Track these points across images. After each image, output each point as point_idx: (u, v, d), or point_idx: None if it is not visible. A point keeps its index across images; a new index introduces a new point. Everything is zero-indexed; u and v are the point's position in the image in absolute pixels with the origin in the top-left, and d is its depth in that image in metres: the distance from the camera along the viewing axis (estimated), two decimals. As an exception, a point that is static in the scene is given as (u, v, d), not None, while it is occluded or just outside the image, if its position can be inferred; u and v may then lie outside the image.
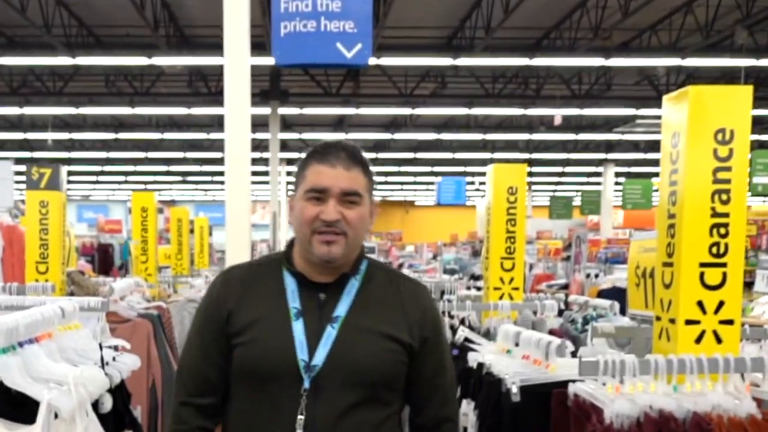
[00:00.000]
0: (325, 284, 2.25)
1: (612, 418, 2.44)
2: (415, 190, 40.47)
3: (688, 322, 2.95)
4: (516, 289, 5.27)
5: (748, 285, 9.77)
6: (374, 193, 2.34)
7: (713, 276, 2.92)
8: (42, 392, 2.56)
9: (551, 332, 4.73)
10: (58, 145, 26.48)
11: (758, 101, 17.42)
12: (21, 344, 2.71)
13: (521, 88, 20.54)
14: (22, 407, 2.61)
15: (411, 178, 37.26)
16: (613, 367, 2.64)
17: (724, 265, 2.92)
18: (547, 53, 17.17)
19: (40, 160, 28.98)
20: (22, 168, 12.83)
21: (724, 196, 2.93)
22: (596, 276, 8.88)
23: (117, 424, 3.05)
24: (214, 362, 2.29)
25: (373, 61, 15.42)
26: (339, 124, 24.57)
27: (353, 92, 20.66)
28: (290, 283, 2.27)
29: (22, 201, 11.76)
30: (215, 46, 9.16)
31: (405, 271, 13.88)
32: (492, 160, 29.45)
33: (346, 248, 2.20)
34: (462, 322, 5.19)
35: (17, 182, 11.56)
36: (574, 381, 2.74)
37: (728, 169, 2.96)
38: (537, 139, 25.44)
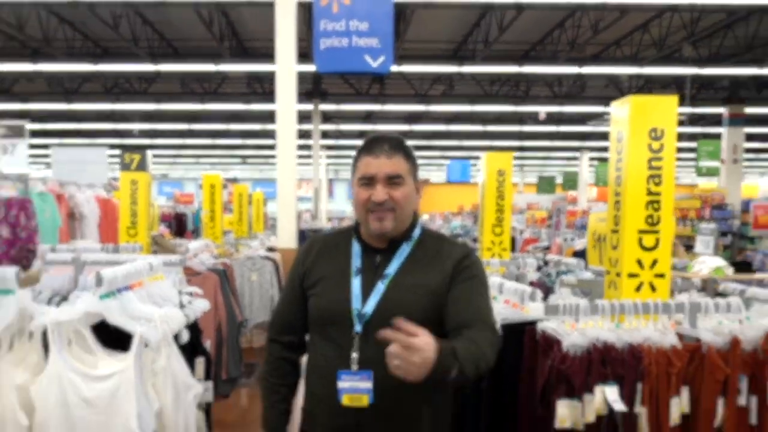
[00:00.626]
0: (381, 249, 2.24)
1: (568, 348, 2.51)
2: (429, 170, 40.30)
3: (630, 276, 3.07)
4: (504, 249, 5.52)
5: (690, 248, 9.78)
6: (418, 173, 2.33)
7: (649, 240, 3.04)
8: (135, 327, 2.62)
9: (531, 283, 4.68)
10: (143, 134, 26.51)
11: (701, 102, 17.32)
12: (119, 291, 2.77)
13: (513, 89, 20.52)
14: (120, 339, 2.65)
15: (426, 161, 37.09)
16: (570, 309, 2.71)
17: (657, 231, 3.03)
18: (533, 62, 17.09)
19: (128, 146, 29.11)
20: (114, 152, 13.04)
21: (656, 180, 3.04)
22: (572, 239, 8.85)
23: (191, 353, 3.07)
24: (294, 309, 2.31)
25: (394, 68, 15.41)
26: (367, 117, 24.48)
27: (379, 92, 20.70)
28: (356, 248, 2.27)
29: (114, 179, 11.90)
30: (269, 56, 9.04)
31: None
32: (490, 147, 29.68)
33: (395, 221, 2.18)
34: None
35: (110, 164, 11.67)
36: (541, 320, 2.78)
37: (660, 159, 3.05)
38: (526, 130, 25.29)
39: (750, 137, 22.07)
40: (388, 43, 7.68)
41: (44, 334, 2.60)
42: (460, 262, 2.20)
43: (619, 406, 2.43)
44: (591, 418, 2.42)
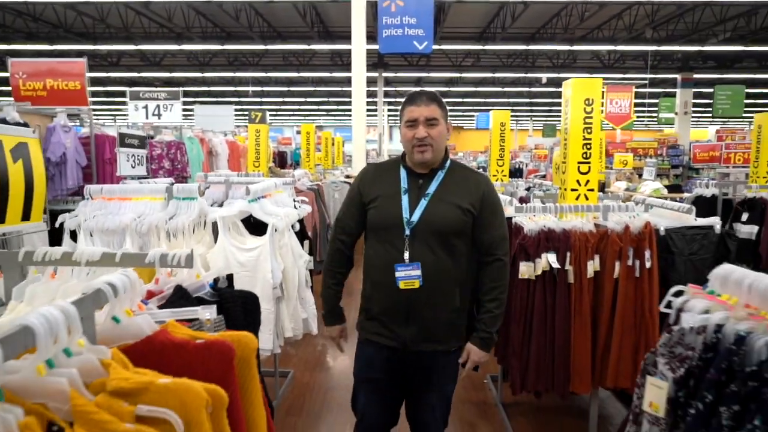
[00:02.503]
0: (423, 174, 2.13)
1: (527, 232, 2.72)
2: (463, 120, 39.66)
3: (572, 190, 3.21)
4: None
5: (641, 175, 9.78)
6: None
7: (584, 168, 3.18)
8: (269, 219, 2.98)
9: (520, 199, 4.86)
10: (255, 94, 26.41)
11: (661, 70, 16.86)
12: (259, 198, 3.11)
13: (523, 61, 19.97)
14: (260, 228, 3.00)
15: (461, 113, 36.37)
16: (529, 209, 2.91)
17: (589, 162, 3.16)
18: (538, 42, 16.64)
19: (244, 103, 29.45)
20: (231, 108, 13.30)
21: (588, 130, 3.17)
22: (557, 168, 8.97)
23: (301, 237, 3.40)
24: (355, 217, 2.19)
25: (435, 47, 15.33)
26: (417, 82, 24.16)
27: (426, 63, 20.41)
28: (403, 174, 2.15)
29: (237, 126, 12.26)
30: (347, 38, 9.11)
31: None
32: (508, 103, 28.87)
33: (432, 153, 2.08)
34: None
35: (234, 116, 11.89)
36: (514, 216, 2.93)
37: (591, 117, 3.17)
38: (534, 90, 24.71)
39: (696, 95, 21.36)
40: (429, 33, 7.81)
41: (214, 224, 2.92)
42: (486, 192, 2.11)
43: (556, 265, 2.66)
44: (539, 272, 2.67)
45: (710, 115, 17.57)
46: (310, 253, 3.58)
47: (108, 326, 1.06)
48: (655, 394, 1.25)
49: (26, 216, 1.60)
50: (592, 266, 2.72)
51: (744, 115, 17.92)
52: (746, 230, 5.18)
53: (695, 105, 22.08)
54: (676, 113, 18.83)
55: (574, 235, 2.69)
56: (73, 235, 2.89)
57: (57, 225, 2.78)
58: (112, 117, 32.86)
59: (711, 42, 15.50)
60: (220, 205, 3.60)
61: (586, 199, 3.20)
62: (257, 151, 6.41)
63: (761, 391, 1.02)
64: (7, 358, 0.78)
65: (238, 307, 1.60)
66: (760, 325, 1.13)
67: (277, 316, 3.03)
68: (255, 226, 3.08)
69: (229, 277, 1.70)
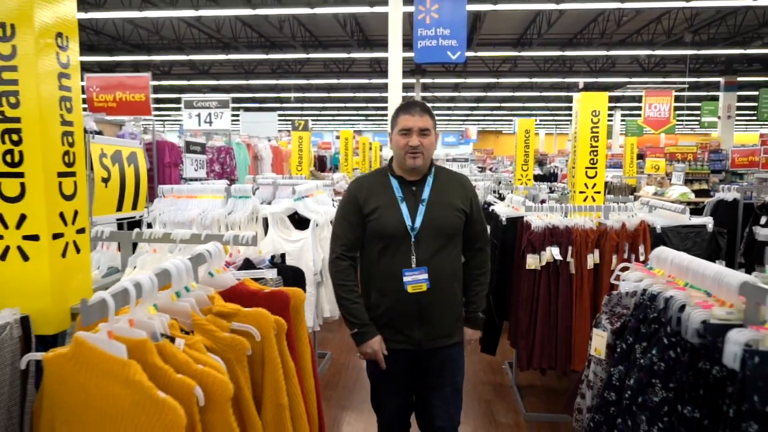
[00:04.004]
0: (414, 181, 2.19)
1: (534, 228, 3.04)
2: (501, 124, 39.68)
3: (581, 192, 3.45)
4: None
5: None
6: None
7: (591, 172, 3.41)
8: (311, 215, 3.41)
9: (542, 201, 5.23)
10: (297, 100, 27.06)
11: (704, 73, 16.68)
12: (303, 197, 3.54)
13: (560, 66, 19.99)
14: (303, 223, 3.43)
15: (499, 118, 36.48)
16: (538, 208, 3.24)
17: (595, 167, 3.38)
18: (574, 47, 16.72)
19: (287, 108, 30.13)
20: (275, 115, 13.89)
21: (596, 138, 3.41)
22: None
23: None
24: (356, 232, 2.20)
25: (471, 53, 15.70)
26: (455, 87, 24.47)
27: (463, 69, 20.63)
28: (394, 183, 2.19)
29: (280, 131, 12.78)
30: (384, 46, 9.56)
31: (488, 173, 14.42)
32: (545, 108, 28.79)
33: (423, 160, 2.15)
34: (500, 196, 5.76)
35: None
36: (525, 215, 3.21)
37: (597, 127, 3.41)
38: (570, 95, 24.65)
39: (741, 98, 20.92)
40: (462, 43, 8.20)
41: (264, 219, 3.40)
42: (471, 190, 2.28)
43: (559, 257, 2.99)
44: (544, 263, 3.02)
45: (757, 118, 17.31)
46: None
47: (206, 278, 1.56)
48: (598, 341, 1.68)
49: (135, 206, 2.14)
50: (592, 259, 3.07)
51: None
52: (764, 233, 5.41)
53: (741, 109, 21.68)
54: (719, 117, 18.60)
55: (576, 231, 3.04)
56: (149, 227, 3.46)
57: (137, 218, 3.36)
58: (161, 122, 34.24)
59: (755, 45, 15.31)
60: (269, 204, 4.13)
61: (593, 200, 3.52)
62: (300, 156, 6.91)
63: (658, 330, 1.44)
64: (158, 288, 1.29)
65: (289, 275, 2.11)
66: (669, 288, 1.55)
67: (318, 299, 3.50)
68: (299, 222, 3.55)
69: (282, 255, 2.20)
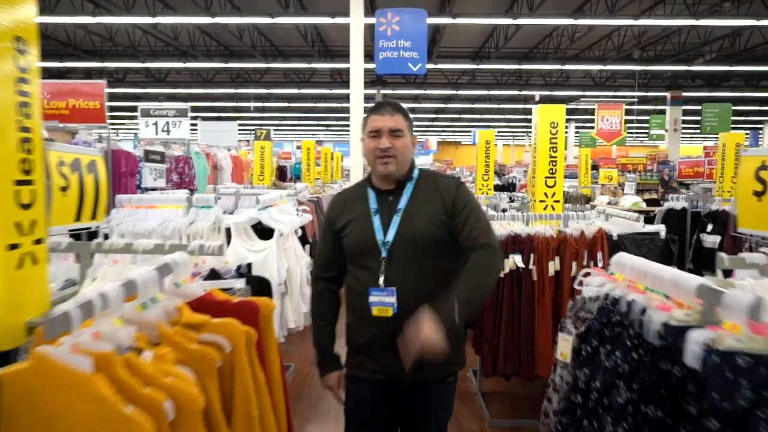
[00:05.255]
0: (391, 190, 1.98)
1: (498, 236, 2.81)
2: (460, 136, 40.20)
3: (540, 201, 3.53)
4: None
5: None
6: (415, 130, 1.98)
7: (550, 182, 3.50)
8: (275, 225, 3.38)
9: (503, 210, 5.38)
10: (256, 110, 26.71)
11: (651, 88, 17.37)
12: (266, 207, 3.52)
13: (517, 80, 20.46)
14: (267, 233, 3.38)
15: (458, 130, 36.88)
16: (501, 217, 3.32)
17: (554, 177, 3.44)
18: (530, 61, 17.17)
19: (246, 118, 29.65)
20: (235, 124, 13.75)
21: (554, 149, 3.47)
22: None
23: (303, 241, 3.80)
24: (333, 250, 2.03)
25: (430, 66, 15.87)
26: (415, 99, 24.68)
27: (423, 81, 20.85)
28: (371, 194, 2.00)
29: (240, 141, 12.65)
30: (345, 56, 9.58)
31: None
32: (503, 119, 29.35)
33: (397, 165, 1.93)
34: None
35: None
36: None
37: (556, 138, 3.50)
38: (529, 108, 25.27)
39: (687, 113, 21.90)
40: (423, 55, 8.33)
41: (227, 230, 3.32)
42: (457, 192, 1.95)
43: (521, 264, 3.06)
44: (507, 270, 3.08)
45: (700, 131, 18.12)
46: (311, 256, 4.02)
47: (173, 289, 1.52)
48: (564, 346, 1.72)
49: (95, 216, 2.07)
50: (553, 266, 3.15)
51: (732, 132, 18.43)
52: (710, 240, 5.65)
53: (687, 122, 22.64)
54: (666, 130, 19.39)
55: (537, 239, 3.11)
56: (107, 239, 3.35)
57: (93, 229, 3.25)
58: (115, 131, 33.32)
59: (698, 62, 16.06)
60: (231, 214, 4.05)
61: (553, 209, 3.60)
62: (262, 166, 6.84)
63: (621, 333, 1.49)
64: (123, 299, 1.25)
65: (255, 285, 2.08)
66: (630, 292, 1.60)
67: (282, 309, 3.46)
68: (263, 231, 3.49)
69: (249, 265, 2.17)
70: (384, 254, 1.89)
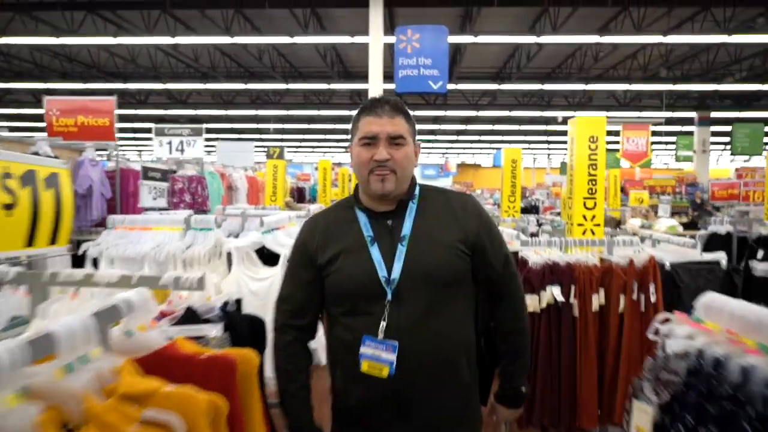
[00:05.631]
0: (389, 212, 1.57)
1: (532, 265, 2.73)
2: (481, 157, 39.83)
3: (579, 225, 3.23)
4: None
5: (657, 213, 9.71)
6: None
7: (590, 203, 3.21)
8: (281, 250, 3.01)
9: (531, 234, 5.05)
10: (276, 131, 26.67)
11: (679, 108, 16.97)
12: (272, 230, 3.16)
13: (539, 100, 20.14)
14: (273, 258, 3.03)
15: (479, 151, 36.62)
16: (534, 242, 2.95)
17: (594, 198, 3.18)
18: (553, 81, 16.81)
19: (266, 140, 29.66)
20: (258, 145, 13.69)
21: (594, 167, 3.20)
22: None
23: None
24: (308, 291, 1.59)
25: (451, 86, 15.60)
26: (435, 120, 24.49)
27: (443, 102, 20.66)
28: (362, 217, 1.57)
29: (257, 163, 12.51)
30: (364, 77, 9.39)
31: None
32: (525, 141, 29.02)
33: (396, 183, 1.53)
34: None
35: (255, 152, 12.07)
36: (520, 250, 2.94)
37: (595, 154, 3.19)
38: (550, 129, 24.84)
39: (717, 134, 21.29)
40: (444, 73, 8.03)
41: (228, 254, 3.00)
42: (477, 215, 1.60)
43: (560, 298, 2.66)
44: (544, 305, 2.68)
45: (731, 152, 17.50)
46: None
47: (122, 340, 1.14)
48: (642, 418, 1.29)
49: (53, 240, 1.72)
50: (597, 300, 2.74)
51: (764, 152, 17.82)
52: (762, 268, 5.13)
53: (715, 143, 22.00)
54: (694, 151, 18.79)
55: (578, 269, 2.71)
56: (96, 264, 3.01)
57: (80, 253, 2.91)
58: (139, 152, 33.68)
59: (727, 81, 15.53)
60: (237, 236, 3.70)
61: (593, 233, 3.23)
62: (275, 186, 6.54)
63: (737, 414, 1.06)
64: (29, 362, 0.87)
65: (245, 329, 1.68)
66: (737, 350, 1.17)
67: (288, 345, 3.06)
68: (268, 257, 3.15)
69: (238, 301, 1.78)
70: (389, 296, 1.48)
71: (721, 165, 34.12)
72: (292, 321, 1.62)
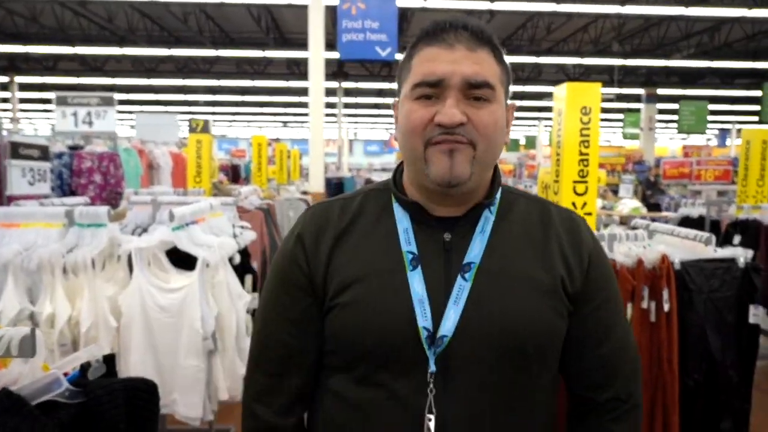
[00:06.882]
0: (450, 219, 0.96)
1: None
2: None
3: None
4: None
5: (615, 192, 9.63)
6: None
7: (580, 188, 2.86)
8: (199, 251, 2.49)
9: None
10: (206, 104, 25.95)
11: (625, 84, 17.19)
12: (187, 224, 2.64)
13: (488, 71, 20.15)
14: (188, 261, 2.52)
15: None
16: None
17: (586, 182, 2.84)
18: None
19: (194, 113, 28.49)
20: (184, 118, 12.90)
21: (586, 144, 2.86)
22: (530, 186, 8.61)
23: (242, 271, 2.97)
24: (299, 337, 0.98)
25: (398, 56, 15.04)
26: (379, 93, 23.97)
27: (388, 74, 20.12)
28: (402, 219, 0.97)
29: (183, 138, 11.66)
30: (304, 45, 8.87)
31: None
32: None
33: (475, 165, 0.91)
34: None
35: (180, 127, 11.37)
36: None
37: (588, 128, 2.84)
38: (554, 88, 24.85)
39: (661, 111, 21.86)
40: (393, 38, 7.51)
41: (129, 257, 2.45)
42: (593, 252, 1.00)
43: None
44: None
45: (672, 130, 17.91)
46: (254, 290, 3.08)
47: None
48: None
49: None
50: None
51: (707, 131, 18.39)
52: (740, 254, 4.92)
53: (660, 121, 22.58)
54: (641, 128, 19.11)
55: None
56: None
57: None
58: (52, 126, 31.51)
59: (675, 57, 15.75)
60: (145, 231, 3.07)
61: (587, 226, 2.79)
62: (199, 165, 5.84)
63: None
64: None
65: (117, 408, 1.06)
66: None
67: (209, 375, 2.49)
68: (182, 260, 2.55)
69: (110, 359, 1.15)
70: (432, 365, 0.89)
71: (661, 143, 35.35)
72: (265, 396, 1.00)
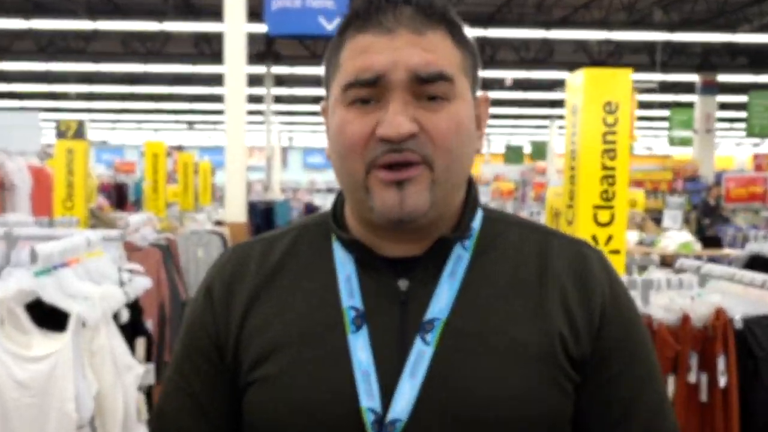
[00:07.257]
0: (408, 260, 0.97)
1: None
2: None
3: None
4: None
5: (658, 221, 9.95)
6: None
7: (604, 216, 3.00)
8: (72, 306, 2.57)
9: None
10: (80, 97, 26.01)
11: (673, 68, 17.49)
12: (55, 267, 2.72)
13: (479, 53, 20.56)
14: (56, 319, 2.60)
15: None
16: None
17: (611, 207, 2.99)
18: (498, 25, 16.97)
19: (64, 110, 28.58)
20: (49, 117, 12.92)
21: (611, 154, 3.00)
22: (538, 213, 8.86)
23: (132, 333, 3.05)
24: (202, 415, 1.04)
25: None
26: (320, 81, 24.40)
27: (333, 56, 20.72)
28: (345, 264, 1.00)
29: (48, 146, 11.73)
30: (217, 14, 9.14)
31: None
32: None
33: (436, 190, 0.92)
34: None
35: (43, 129, 11.42)
36: None
37: (614, 133, 2.98)
38: (492, 97, 25.05)
39: (723, 106, 22.23)
40: (343, 5, 7.72)
41: None
42: (610, 295, 1.00)
43: None
44: None
45: (739, 132, 18.46)
46: (149, 359, 3.23)
47: None
48: None
49: None
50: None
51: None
52: None
53: (723, 120, 23.07)
54: (694, 130, 19.69)
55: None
56: None
57: None
58: None
59: (743, 29, 16.00)
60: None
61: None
62: (70, 183, 5.93)
63: None
64: None
65: None
66: None
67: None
68: (48, 318, 2.68)
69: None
70: None
71: (723, 150, 36.50)
72: None
